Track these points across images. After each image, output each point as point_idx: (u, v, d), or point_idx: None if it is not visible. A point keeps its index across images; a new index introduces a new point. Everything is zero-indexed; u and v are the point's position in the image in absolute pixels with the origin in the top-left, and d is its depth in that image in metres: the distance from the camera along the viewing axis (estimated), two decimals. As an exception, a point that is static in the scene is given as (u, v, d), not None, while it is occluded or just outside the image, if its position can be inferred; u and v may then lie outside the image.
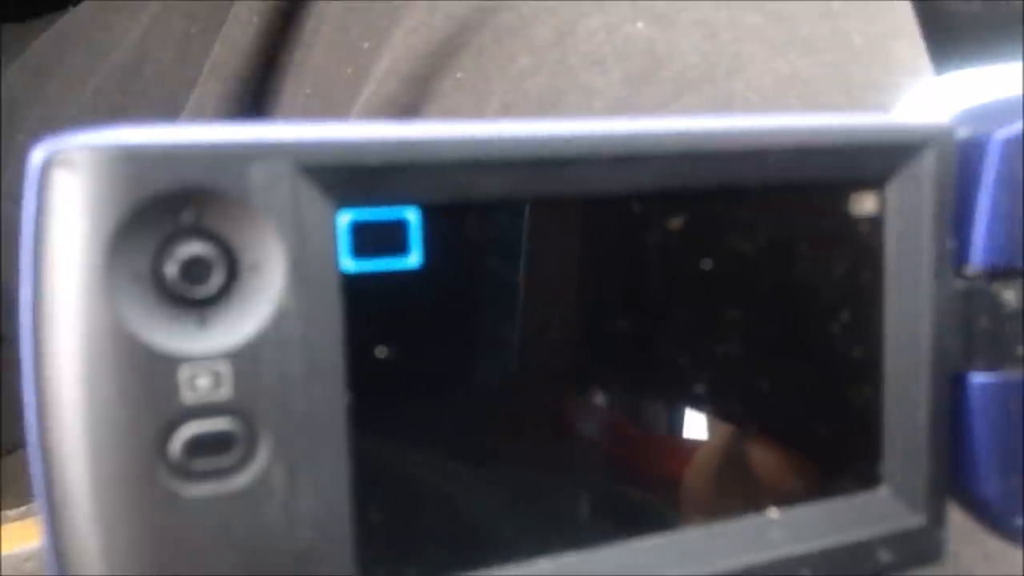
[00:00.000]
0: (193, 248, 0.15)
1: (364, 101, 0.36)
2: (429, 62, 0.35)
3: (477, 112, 0.34)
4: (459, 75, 0.35)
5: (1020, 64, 0.25)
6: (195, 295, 0.15)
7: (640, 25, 0.33)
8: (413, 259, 0.17)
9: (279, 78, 0.42)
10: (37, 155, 0.14)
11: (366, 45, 0.37)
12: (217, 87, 0.42)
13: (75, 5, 0.61)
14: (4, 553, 0.56)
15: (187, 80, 0.45)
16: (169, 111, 0.47)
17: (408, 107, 0.35)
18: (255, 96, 0.42)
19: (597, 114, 0.32)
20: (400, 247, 0.17)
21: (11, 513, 0.60)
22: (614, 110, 0.32)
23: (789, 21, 0.33)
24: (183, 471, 0.15)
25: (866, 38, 0.34)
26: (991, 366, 0.22)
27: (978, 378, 0.22)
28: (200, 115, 0.43)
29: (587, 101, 0.33)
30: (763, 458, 0.21)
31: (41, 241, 0.14)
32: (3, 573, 0.56)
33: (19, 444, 0.71)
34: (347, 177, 0.16)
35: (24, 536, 0.58)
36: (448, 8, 0.35)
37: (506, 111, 0.33)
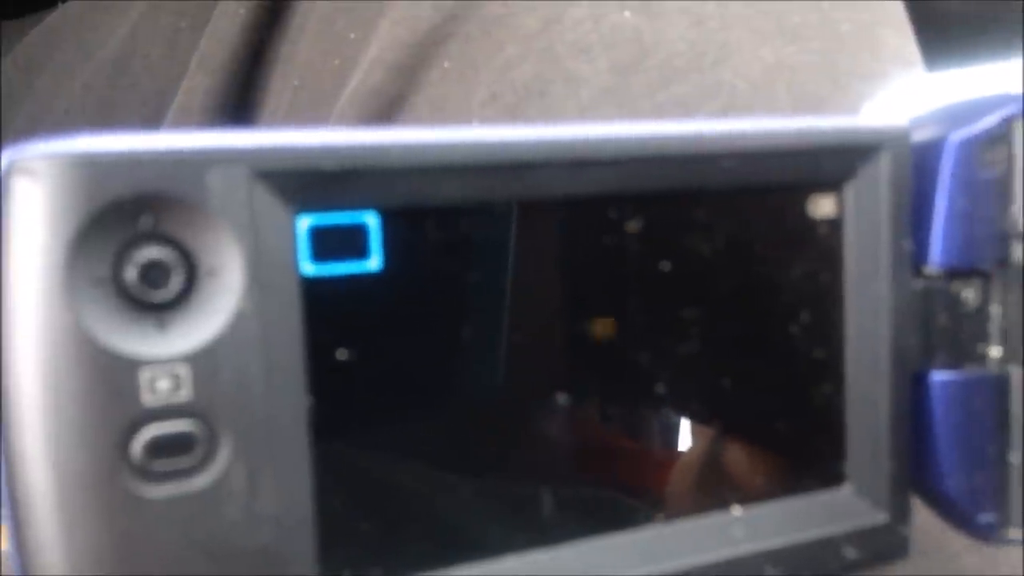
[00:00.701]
0: (152, 253, 0.15)
1: (351, 92, 0.36)
2: (415, 52, 0.35)
3: (464, 102, 0.34)
4: (446, 64, 0.35)
5: (985, 67, 0.25)
6: (154, 299, 0.15)
7: (627, 14, 0.33)
8: (373, 263, 0.17)
9: (266, 71, 0.42)
10: (-3, 163, 0.14)
11: (352, 36, 0.37)
12: (205, 80, 0.42)
13: (64, 1, 0.61)
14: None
15: (176, 75, 0.45)
16: (158, 106, 0.47)
17: (395, 97, 0.36)
18: (243, 89, 0.42)
19: (584, 103, 0.32)
20: (360, 251, 0.17)
21: None
22: (601, 99, 0.32)
23: (776, 9, 0.33)
24: (144, 472, 0.15)
25: (854, 26, 0.34)
26: (952, 364, 0.23)
27: (939, 376, 0.23)
28: (188, 109, 0.43)
29: (574, 90, 0.33)
30: (727, 458, 0.22)
31: (2, 247, 0.14)
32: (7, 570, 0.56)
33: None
34: (305, 182, 0.16)
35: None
36: None
37: (493, 100, 0.33)
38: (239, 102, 0.43)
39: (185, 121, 0.43)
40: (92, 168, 0.14)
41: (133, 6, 0.53)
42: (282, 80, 0.42)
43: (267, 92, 0.42)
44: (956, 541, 0.34)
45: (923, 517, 0.33)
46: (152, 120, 0.48)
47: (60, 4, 0.61)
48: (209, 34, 0.43)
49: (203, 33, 0.44)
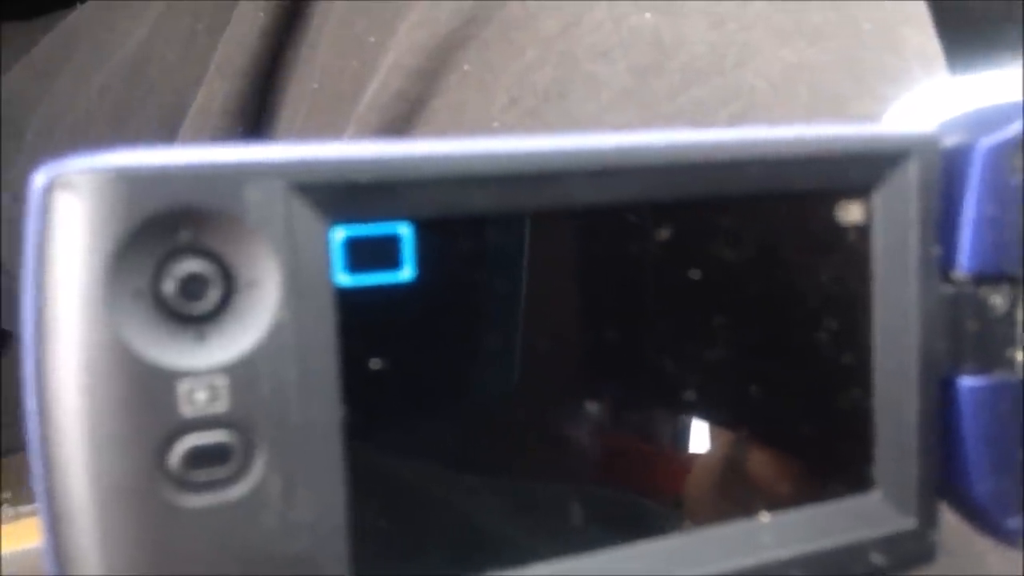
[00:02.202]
0: (190, 266, 0.15)
1: (370, 96, 0.36)
2: (435, 56, 0.35)
3: (484, 106, 0.34)
4: (465, 68, 0.35)
5: (1012, 70, 0.25)
6: (193, 311, 0.15)
7: (647, 16, 0.33)
8: (406, 273, 0.17)
9: (285, 75, 0.42)
10: (39, 178, 0.15)
11: (372, 40, 0.37)
12: (224, 85, 0.42)
13: (81, 2, 0.61)
14: (20, 548, 0.57)
15: (193, 78, 0.45)
16: (175, 109, 0.47)
17: (414, 101, 0.35)
18: (261, 93, 0.43)
19: (604, 106, 0.32)
20: (393, 261, 0.17)
21: (25, 509, 0.61)
22: (621, 101, 0.32)
23: (796, 8, 0.33)
24: (182, 482, 0.15)
25: (875, 24, 0.34)
26: (980, 369, 0.23)
27: (967, 381, 0.23)
28: (206, 113, 0.43)
29: (594, 93, 0.32)
30: (755, 464, 0.22)
31: (43, 260, 0.14)
32: (20, 567, 0.57)
33: (14, 448, 0.72)
34: (339, 194, 0.16)
35: (38, 532, 0.59)
36: (453, 2, 0.35)
37: (513, 104, 0.33)
38: (258, 106, 0.43)
39: (204, 125, 0.44)
40: (132, 183, 0.14)
41: (150, 8, 0.53)
42: (301, 84, 0.42)
43: (286, 96, 0.43)
44: (981, 541, 0.34)
45: (949, 516, 0.33)
46: (169, 122, 0.48)
47: (77, 6, 0.62)
48: (228, 38, 0.43)
49: (220, 36, 0.44)
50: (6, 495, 0.67)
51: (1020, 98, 0.23)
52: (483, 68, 0.34)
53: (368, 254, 0.17)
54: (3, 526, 0.61)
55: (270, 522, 0.16)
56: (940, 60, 0.35)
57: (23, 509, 0.63)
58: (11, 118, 0.59)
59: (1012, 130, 0.22)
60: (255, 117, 0.43)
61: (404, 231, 0.17)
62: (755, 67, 0.32)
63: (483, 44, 0.34)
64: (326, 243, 0.16)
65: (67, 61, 0.58)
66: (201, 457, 0.15)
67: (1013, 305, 0.23)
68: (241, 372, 0.15)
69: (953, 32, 0.37)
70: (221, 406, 0.15)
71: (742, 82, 0.31)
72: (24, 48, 0.62)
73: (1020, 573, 0.34)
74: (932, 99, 0.25)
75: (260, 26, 0.42)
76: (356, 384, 0.16)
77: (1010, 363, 0.23)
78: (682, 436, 0.21)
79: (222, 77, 0.43)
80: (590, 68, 0.32)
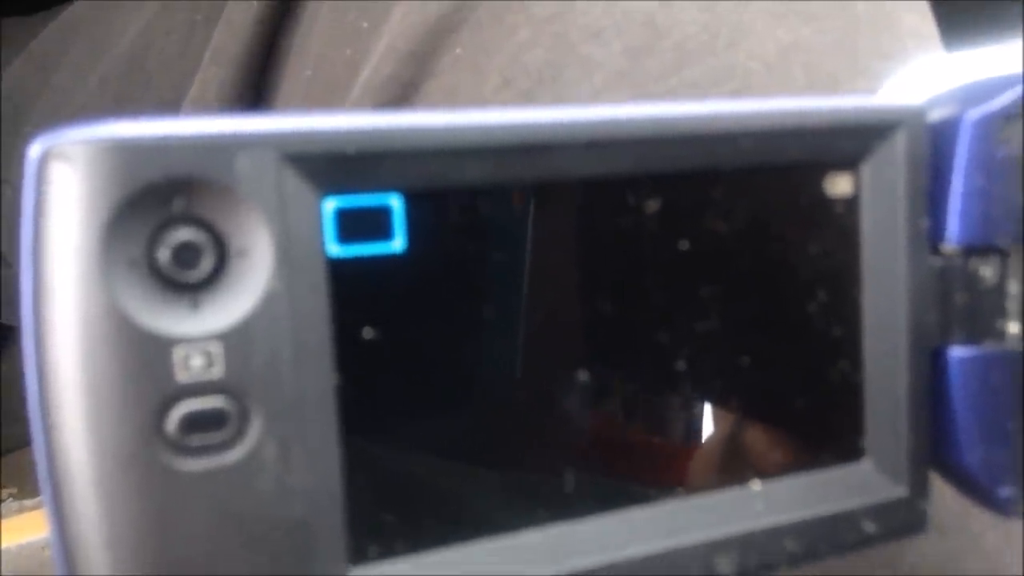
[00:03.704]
0: (184, 234, 0.15)
1: (364, 81, 0.36)
2: (428, 39, 0.35)
3: (477, 88, 0.34)
4: (458, 51, 0.35)
5: (1002, 46, 0.25)
6: (187, 279, 0.16)
7: None
8: (397, 244, 0.17)
9: (280, 62, 0.43)
10: (35, 149, 0.15)
11: (364, 25, 0.37)
12: (219, 72, 0.42)
13: None
14: (24, 541, 0.58)
15: (191, 69, 0.46)
16: (174, 99, 0.48)
17: (408, 85, 0.36)
18: (256, 80, 0.43)
19: (597, 87, 0.32)
20: (384, 232, 0.17)
21: (29, 503, 0.62)
22: (614, 83, 0.32)
23: None
24: (179, 447, 0.15)
25: (870, 5, 0.34)
26: (970, 340, 0.23)
27: (957, 352, 0.23)
28: (202, 100, 0.43)
29: (587, 74, 0.32)
30: (747, 434, 0.22)
31: (40, 230, 0.15)
32: (24, 560, 0.57)
33: (20, 443, 0.72)
34: (331, 165, 0.16)
35: (42, 525, 0.60)
36: None
37: (506, 86, 0.33)
38: (253, 93, 0.43)
39: (200, 113, 0.44)
40: (126, 153, 0.15)
41: (148, 1, 0.54)
42: (295, 71, 0.42)
43: (280, 83, 0.43)
44: (977, 521, 0.34)
45: (945, 497, 0.33)
46: (169, 114, 0.49)
47: (74, 0, 0.62)
48: (222, 26, 0.43)
49: (216, 27, 0.44)
50: (11, 490, 0.67)
51: (1006, 72, 0.24)
52: (476, 50, 0.34)
53: (359, 225, 0.17)
54: (5, 520, 0.61)
55: (266, 487, 0.16)
56: (935, 39, 0.35)
57: (27, 503, 0.63)
58: (11, 112, 0.59)
59: (998, 102, 0.23)
60: (250, 105, 0.43)
61: (395, 202, 0.17)
62: (749, 48, 0.32)
63: (476, 26, 0.34)
64: (318, 214, 0.17)
65: (66, 55, 0.59)
66: (197, 422, 0.15)
67: (1002, 277, 0.23)
68: (235, 339, 0.16)
69: (949, 11, 0.37)
70: (216, 372, 0.16)
71: (736, 63, 0.31)
72: (24, 43, 0.62)
73: (1019, 551, 0.35)
74: (924, 75, 0.25)
75: (254, 14, 0.42)
76: (349, 352, 0.17)
77: (1000, 334, 0.23)
78: (675, 406, 0.22)
79: (217, 65, 0.43)
80: (583, 49, 0.32)
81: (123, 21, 0.55)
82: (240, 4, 0.43)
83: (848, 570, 0.32)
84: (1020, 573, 0.34)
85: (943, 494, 0.33)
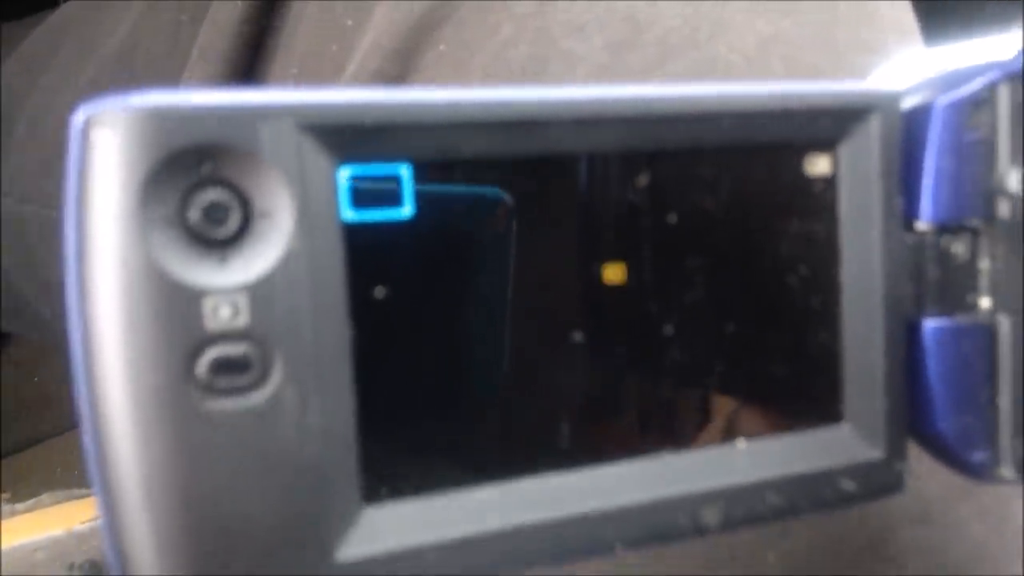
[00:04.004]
0: (213, 195, 0.17)
1: (349, 78, 0.37)
2: (412, 36, 0.35)
3: (460, 84, 0.34)
4: (441, 47, 0.35)
5: (979, 40, 0.26)
6: (216, 236, 0.17)
7: None
8: (406, 210, 0.19)
9: (266, 60, 0.43)
10: (78, 116, 0.16)
11: (349, 22, 0.38)
12: (206, 70, 0.43)
13: (65, 0, 0.62)
14: (15, 544, 0.59)
15: (179, 69, 0.46)
16: None
17: (392, 82, 0.36)
18: (243, 78, 0.43)
19: (580, 82, 0.33)
20: (394, 199, 0.19)
21: (20, 507, 0.63)
22: (597, 77, 0.33)
23: None
24: (208, 389, 0.17)
25: None
26: (944, 313, 0.24)
27: (931, 323, 0.24)
28: None
29: (570, 69, 0.33)
30: (733, 397, 0.23)
31: (82, 190, 0.16)
32: (15, 562, 0.58)
33: (20, 445, 0.73)
34: (346, 135, 0.18)
35: (33, 528, 0.61)
36: None
37: (489, 82, 0.34)
38: None
39: None
40: (161, 120, 0.16)
41: (135, 1, 0.54)
42: (281, 68, 0.42)
43: (267, 80, 0.43)
44: (962, 509, 0.35)
45: (930, 485, 0.34)
46: None
47: (61, 3, 0.63)
48: (208, 26, 0.44)
49: (202, 26, 0.45)
50: (5, 495, 0.69)
51: (976, 63, 0.25)
52: (459, 47, 0.35)
53: (371, 192, 0.19)
54: (3, 522, 0.63)
55: (287, 428, 0.17)
56: (915, 33, 0.36)
57: (19, 507, 0.65)
58: (1, 114, 0.60)
59: (967, 89, 0.24)
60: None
61: (404, 172, 0.19)
62: (729, 40, 0.32)
63: (459, 23, 0.35)
64: (334, 181, 0.18)
65: (55, 57, 0.59)
66: (224, 367, 0.17)
67: (974, 254, 0.25)
68: (259, 292, 0.17)
69: (929, 3, 0.38)
70: (242, 321, 0.17)
71: (717, 56, 0.32)
72: (12, 47, 0.63)
73: (1005, 539, 0.35)
74: (902, 67, 0.26)
75: (240, 12, 0.43)
76: (361, 307, 0.18)
77: (972, 307, 0.25)
78: (666, 372, 0.23)
79: (204, 62, 0.43)
80: (566, 44, 0.33)
81: (112, 22, 0.56)
82: (225, 3, 0.43)
83: (834, 556, 0.33)
84: (1003, 561, 0.35)
85: (928, 483, 0.34)
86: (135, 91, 0.16)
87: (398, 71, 0.36)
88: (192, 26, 0.48)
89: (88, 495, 0.65)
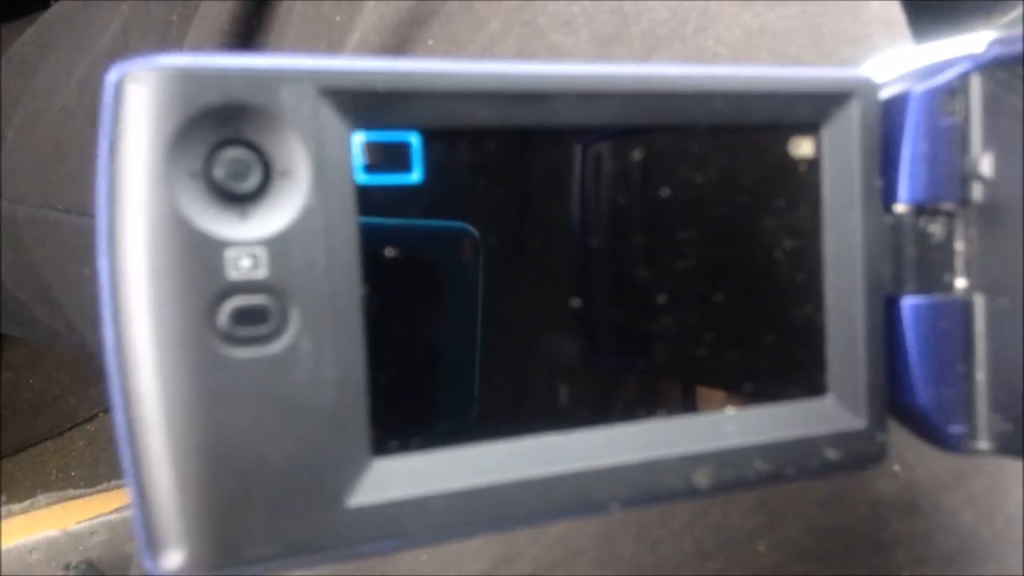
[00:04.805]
0: (236, 153, 0.18)
1: None
2: (400, 32, 0.36)
3: None
4: (430, 43, 0.35)
5: (961, 37, 0.28)
6: (238, 191, 0.18)
7: None
8: (415, 176, 0.20)
9: None
10: (112, 74, 0.17)
11: (338, 19, 0.38)
12: None
13: (56, 1, 0.62)
14: (11, 544, 0.59)
15: None
16: None
17: None
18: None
19: None
20: (404, 165, 0.20)
21: (15, 507, 0.63)
22: None
23: None
24: (229, 337, 0.18)
25: None
26: (922, 290, 0.26)
27: (909, 300, 0.26)
28: None
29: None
30: (721, 367, 0.24)
31: (114, 143, 0.17)
32: (11, 563, 0.58)
33: (15, 448, 0.73)
34: (361, 101, 0.19)
35: (28, 528, 0.61)
36: None
37: None
38: None
39: None
40: (190, 79, 0.17)
41: (124, 1, 0.54)
42: None
43: None
44: (951, 499, 0.35)
45: (918, 475, 0.35)
46: None
47: (53, 4, 0.63)
48: (198, 23, 0.44)
49: (192, 23, 0.45)
50: (2, 497, 0.69)
51: (951, 55, 0.27)
52: (447, 42, 0.35)
53: (382, 157, 0.20)
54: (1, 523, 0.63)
55: (302, 376, 0.18)
56: (903, 26, 0.37)
57: (14, 507, 0.65)
58: None
59: (943, 78, 0.26)
60: None
61: (413, 139, 0.20)
62: (716, 33, 0.33)
63: (446, 18, 0.35)
64: (348, 145, 0.19)
65: (45, 58, 0.60)
66: (244, 316, 0.18)
67: (949, 235, 0.26)
68: (277, 246, 0.18)
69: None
70: (261, 273, 0.18)
71: (704, 48, 0.33)
72: (4, 48, 0.63)
73: (993, 527, 0.36)
74: (886, 62, 0.28)
75: (229, 10, 0.43)
76: (373, 265, 0.19)
77: (948, 286, 0.26)
78: (658, 342, 0.24)
79: None
80: (553, 38, 0.33)
81: (101, 22, 0.56)
82: (215, 2, 0.44)
83: (824, 545, 0.34)
84: (992, 550, 0.35)
85: (917, 472, 0.35)
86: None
87: None
88: (182, 25, 0.49)
89: (83, 495, 0.65)
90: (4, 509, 0.66)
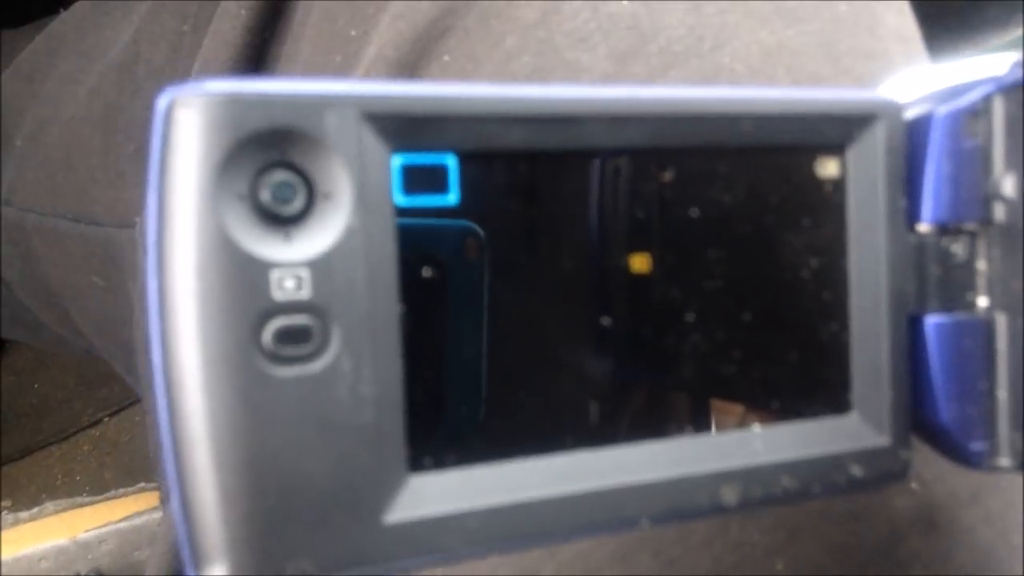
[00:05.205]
0: (281, 176, 0.18)
1: None
2: (416, 47, 0.36)
3: None
4: (446, 59, 0.35)
5: (982, 57, 0.28)
6: (282, 213, 0.18)
7: (624, 2, 0.33)
8: (452, 198, 0.20)
9: (269, 71, 0.44)
10: (162, 100, 0.18)
11: (353, 33, 0.38)
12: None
13: (66, 8, 0.63)
14: (20, 553, 0.59)
15: (180, 78, 0.46)
16: None
17: None
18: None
19: None
20: (441, 187, 0.20)
21: (23, 515, 0.63)
22: None
23: None
24: (273, 356, 0.18)
25: (852, 5, 0.35)
26: (944, 309, 0.26)
27: (932, 319, 0.26)
28: None
29: (574, 79, 0.33)
30: (748, 385, 0.25)
31: (164, 166, 0.18)
32: (18, 572, 0.59)
33: (20, 453, 0.74)
34: (400, 125, 0.19)
35: (37, 537, 0.62)
36: None
37: None
38: None
39: None
40: (238, 105, 0.18)
41: (135, 10, 0.54)
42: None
43: None
44: (969, 516, 0.35)
45: (935, 492, 0.35)
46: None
47: (61, 12, 0.63)
48: (211, 35, 0.44)
49: (205, 35, 0.45)
50: (6, 503, 0.69)
51: (974, 77, 0.27)
52: (463, 58, 0.35)
53: (421, 179, 0.20)
54: (3, 532, 0.63)
55: (342, 394, 0.19)
56: (917, 40, 0.37)
57: (23, 515, 0.65)
58: (1, 123, 0.60)
59: (966, 100, 0.26)
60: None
61: (450, 162, 0.20)
62: (733, 50, 0.33)
63: (463, 34, 0.35)
64: (388, 168, 0.19)
65: (54, 66, 0.60)
66: (288, 335, 0.18)
67: (971, 255, 0.26)
68: (320, 267, 0.19)
69: (931, 12, 0.38)
70: (304, 294, 0.18)
71: (721, 65, 0.32)
72: (12, 55, 0.63)
73: (1010, 544, 0.36)
74: (908, 82, 0.28)
75: (243, 22, 0.43)
76: (411, 286, 0.20)
77: (970, 305, 0.26)
78: (686, 361, 0.25)
79: (207, 74, 0.44)
80: (570, 55, 0.33)
81: (111, 32, 0.56)
82: (228, 12, 0.44)
83: (841, 563, 0.34)
84: (1009, 567, 0.35)
85: (935, 489, 0.35)
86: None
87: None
88: (194, 36, 0.49)
89: (91, 503, 0.65)
90: (12, 517, 0.66)
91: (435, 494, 0.20)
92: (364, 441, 0.19)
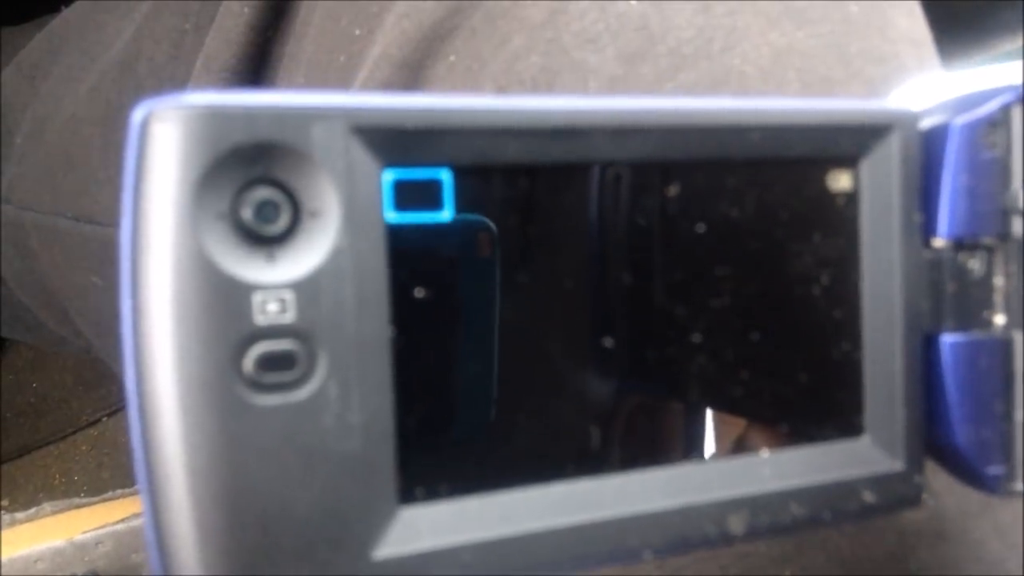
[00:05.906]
0: (265, 194, 0.17)
1: (358, 88, 0.36)
2: (422, 47, 0.35)
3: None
4: (452, 59, 0.35)
5: (994, 66, 0.27)
6: (266, 233, 0.17)
7: (633, 2, 0.33)
8: (445, 213, 0.19)
9: (272, 70, 0.43)
10: (138, 113, 0.17)
11: (357, 32, 0.38)
12: (211, 80, 0.42)
13: (67, 6, 0.62)
14: (16, 554, 0.59)
15: (182, 77, 0.46)
16: None
17: (401, 92, 0.35)
18: (249, 88, 0.43)
19: (592, 93, 0.32)
20: (435, 203, 0.19)
21: (20, 515, 0.62)
22: (609, 89, 0.32)
23: None
24: (255, 383, 0.17)
25: (863, 7, 0.34)
26: (960, 328, 0.25)
27: (948, 338, 0.25)
28: None
29: (582, 81, 0.32)
30: (756, 408, 0.24)
31: (139, 183, 0.17)
32: (14, 573, 0.58)
33: (17, 452, 0.73)
34: (392, 139, 0.18)
35: (33, 538, 0.61)
36: None
37: (501, 93, 0.33)
38: None
39: None
40: (218, 118, 0.17)
41: (137, 8, 0.54)
42: (288, 79, 0.42)
43: (274, 90, 0.42)
44: (979, 527, 0.35)
45: (947, 505, 0.34)
46: None
47: (63, 8, 0.62)
48: (214, 34, 0.43)
49: (208, 34, 0.44)
50: (3, 502, 0.68)
51: (992, 86, 0.26)
52: (470, 58, 0.35)
53: (413, 195, 0.19)
54: (2, 532, 0.62)
55: (328, 423, 0.18)
56: (929, 43, 0.36)
57: (19, 516, 0.64)
58: (0, 120, 0.59)
59: (983, 110, 0.25)
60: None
61: (444, 176, 0.19)
62: (743, 52, 0.32)
63: (469, 34, 0.34)
64: (379, 183, 0.18)
65: (55, 64, 0.59)
66: (271, 362, 0.17)
67: (989, 270, 0.25)
68: (306, 289, 0.18)
69: (942, 14, 0.38)
70: (288, 318, 0.17)
71: (730, 67, 0.32)
72: (13, 52, 0.62)
73: (1020, 556, 0.35)
74: (922, 90, 0.27)
75: (246, 21, 0.42)
76: (402, 307, 0.19)
77: (988, 323, 0.25)
78: (693, 383, 0.24)
79: (209, 73, 0.43)
80: (578, 56, 0.32)
81: (112, 30, 0.55)
82: (231, 11, 0.43)
83: (851, 574, 0.33)
84: None
85: (945, 500, 0.34)
86: (190, 90, 0.17)
87: (408, 82, 0.36)
88: (196, 34, 0.48)
89: (89, 504, 0.64)
90: (8, 517, 0.65)
91: (427, 527, 0.19)
92: (352, 472, 0.18)
